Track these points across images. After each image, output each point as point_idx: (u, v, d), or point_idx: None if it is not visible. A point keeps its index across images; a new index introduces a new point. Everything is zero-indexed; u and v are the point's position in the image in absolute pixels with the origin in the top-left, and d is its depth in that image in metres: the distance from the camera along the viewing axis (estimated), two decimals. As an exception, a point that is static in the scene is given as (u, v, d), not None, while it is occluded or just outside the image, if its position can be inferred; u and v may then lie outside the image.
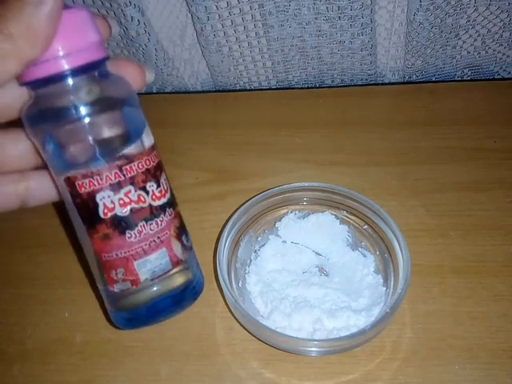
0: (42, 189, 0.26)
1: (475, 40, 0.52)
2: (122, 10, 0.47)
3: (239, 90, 0.58)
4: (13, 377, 0.33)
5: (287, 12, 0.48)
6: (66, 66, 0.21)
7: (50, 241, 0.41)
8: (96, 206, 0.23)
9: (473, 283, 0.36)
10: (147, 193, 0.24)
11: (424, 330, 0.34)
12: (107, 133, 0.23)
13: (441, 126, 0.49)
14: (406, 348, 0.33)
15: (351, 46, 0.51)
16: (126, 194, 0.24)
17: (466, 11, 0.49)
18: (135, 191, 0.24)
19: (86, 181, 0.23)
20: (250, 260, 0.38)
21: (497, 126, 0.49)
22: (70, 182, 0.23)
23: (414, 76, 0.56)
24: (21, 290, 0.39)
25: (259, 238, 0.39)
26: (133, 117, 0.25)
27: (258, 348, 0.33)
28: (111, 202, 0.23)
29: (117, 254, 0.24)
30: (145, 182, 0.24)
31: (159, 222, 0.25)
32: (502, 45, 0.53)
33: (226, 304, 0.35)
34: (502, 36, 0.52)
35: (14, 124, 0.24)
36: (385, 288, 0.35)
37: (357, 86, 0.57)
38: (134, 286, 0.25)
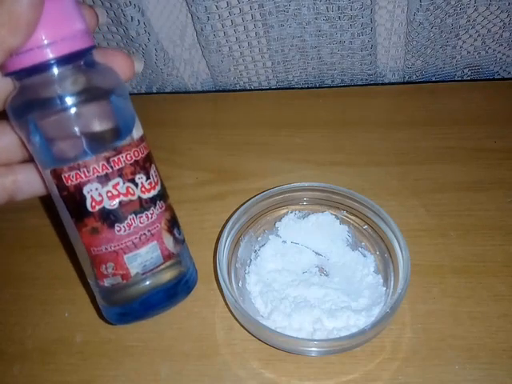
0: (29, 182, 0.26)
1: (475, 40, 0.52)
2: (121, 9, 0.47)
3: (239, 90, 0.58)
4: (13, 377, 0.34)
5: (287, 12, 0.48)
6: (50, 54, 0.21)
7: (50, 241, 0.41)
8: (83, 198, 0.23)
9: (473, 283, 0.36)
10: (136, 185, 0.24)
11: (424, 330, 0.34)
12: (94, 124, 0.23)
13: (441, 126, 0.49)
14: (406, 348, 0.33)
15: (351, 46, 0.51)
16: (114, 187, 0.23)
17: (466, 11, 0.49)
18: (124, 183, 0.23)
19: (73, 173, 0.22)
20: (250, 260, 0.38)
21: (497, 126, 0.48)
22: (57, 174, 0.23)
23: (414, 76, 0.56)
24: (21, 290, 0.39)
25: (259, 238, 0.39)
26: (121, 108, 0.24)
27: (258, 348, 0.33)
28: (99, 195, 0.23)
29: (106, 248, 0.24)
30: (134, 174, 0.24)
31: (149, 215, 0.24)
32: (501, 45, 0.53)
33: (226, 304, 0.35)
34: (501, 36, 0.52)
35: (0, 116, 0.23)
36: (385, 288, 0.35)
37: (357, 85, 0.57)
38: (125, 281, 0.24)
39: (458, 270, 0.37)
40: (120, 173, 0.23)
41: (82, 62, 0.22)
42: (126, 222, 0.24)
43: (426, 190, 0.43)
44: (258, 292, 0.35)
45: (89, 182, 0.23)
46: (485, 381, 0.31)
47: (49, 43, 0.21)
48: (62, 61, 0.21)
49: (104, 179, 0.23)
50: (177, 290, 0.26)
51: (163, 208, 0.25)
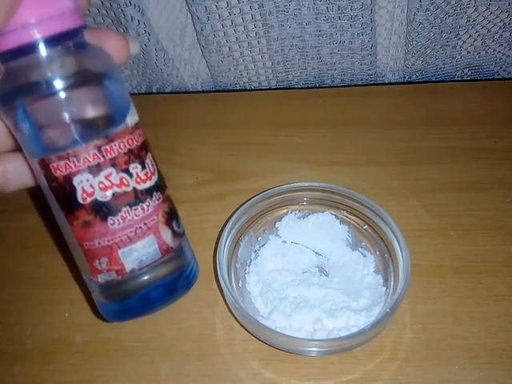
0: (19, 172, 0.24)
1: (475, 40, 0.52)
2: (121, 9, 0.47)
3: (239, 90, 0.58)
4: (13, 377, 0.34)
5: (287, 12, 0.48)
6: (36, 35, 0.19)
7: (50, 241, 0.41)
8: (74, 190, 0.21)
9: (473, 283, 0.36)
10: (131, 175, 0.22)
11: (424, 330, 0.34)
12: (85, 110, 0.21)
13: (441, 126, 0.49)
14: (406, 348, 0.33)
15: (351, 46, 0.51)
16: (106, 177, 0.22)
17: (466, 11, 0.49)
18: (117, 174, 0.22)
19: (62, 163, 0.21)
20: (250, 260, 0.38)
21: (497, 126, 0.48)
22: (45, 164, 0.21)
23: (414, 76, 0.56)
24: (21, 290, 0.39)
25: (259, 238, 0.39)
26: (114, 93, 0.23)
27: (258, 348, 0.33)
28: (90, 186, 0.21)
29: (99, 243, 0.22)
30: (128, 163, 0.22)
31: (145, 207, 0.23)
32: (501, 45, 0.53)
33: (226, 304, 0.35)
34: (502, 36, 0.52)
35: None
36: (385, 288, 0.35)
37: (357, 85, 0.57)
38: (120, 277, 0.23)
39: (458, 270, 0.37)
40: (113, 162, 0.22)
41: (71, 43, 0.21)
42: (119, 214, 0.22)
43: (426, 189, 0.43)
44: (258, 292, 0.35)
45: (79, 172, 0.21)
46: (485, 381, 0.31)
47: (34, 22, 0.19)
48: (50, 41, 0.20)
49: (95, 169, 0.21)
50: (176, 285, 0.25)
51: (160, 199, 0.24)
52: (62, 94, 0.20)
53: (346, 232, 0.39)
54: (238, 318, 0.33)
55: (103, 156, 0.21)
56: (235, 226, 0.36)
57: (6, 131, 0.23)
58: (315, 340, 0.31)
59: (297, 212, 0.40)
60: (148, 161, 0.23)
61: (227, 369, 0.33)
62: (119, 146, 0.22)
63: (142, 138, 0.23)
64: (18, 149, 0.23)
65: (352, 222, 0.39)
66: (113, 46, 0.22)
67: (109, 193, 0.22)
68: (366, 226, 0.38)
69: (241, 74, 0.56)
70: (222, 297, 0.36)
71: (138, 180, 0.23)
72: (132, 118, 0.23)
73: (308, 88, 0.58)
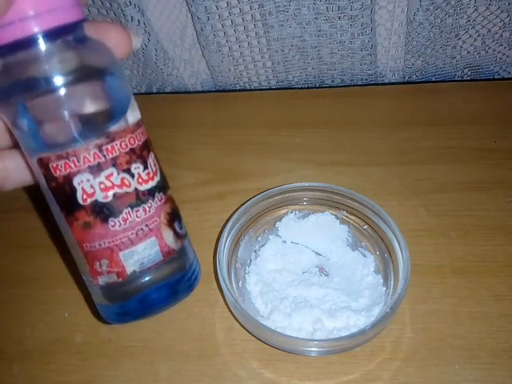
0: (19, 170, 0.23)
1: (475, 40, 0.52)
2: (122, 9, 0.47)
3: (239, 90, 0.58)
4: (12, 377, 0.33)
5: (287, 12, 0.48)
6: (34, 28, 0.19)
7: (50, 241, 0.41)
8: (74, 190, 0.21)
9: (473, 283, 0.36)
10: (132, 176, 0.22)
11: (424, 330, 0.34)
12: (85, 108, 0.21)
13: (441, 125, 0.49)
14: (406, 348, 0.33)
15: (351, 46, 0.51)
16: (107, 178, 0.21)
17: (466, 11, 0.49)
18: (118, 174, 0.21)
19: (61, 162, 0.20)
20: (250, 260, 0.38)
21: (497, 126, 0.48)
22: (43, 163, 0.21)
23: (414, 76, 0.56)
24: (20, 290, 0.39)
25: (259, 238, 0.39)
26: (115, 89, 0.22)
27: (258, 348, 0.33)
28: (91, 187, 0.21)
29: (100, 244, 0.22)
30: (129, 163, 0.21)
31: (147, 209, 0.22)
32: (501, 45, 0.53)
33: (226, 304, 0.35)
34: (502, 36, 0.52)
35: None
36: (385, 288, 0.35)
37: (357, 85, 0.57)
38: (121, 279, 0.23)
39: (458, 270, 0.37)
40: (114, 162, 0.21)
41: (70, 37, 0.20)
42: (121, 216, 0.22)
43: (427, 189, 0.43)
44: (258, 292, 0.35)
45: (79, 172, 0.21)
46: (485, 381, 0.31)
47: (33, 15, 0.18)
48: (48, 35, 0.19)
49: (96, 169, 0.21)
50: (178, 288, 0.25)
51: (163, 200, 0.23)
52: (62, 90, 0.20)
53: (346, 232, 0.39)
54: (238, 318, 0.33)
55: (104, 155, 0.21)
56: (235, 225, 0.36)
57: (3, 128, 0.22)
58: (315, 340, 0.31)
59: (297, 212, 0.40)
60: (150, 161, 0.23)
61: (227, 369, 0.33)
62: (120, 146, 0.21)
63: (144, 137, 0.23)
64: (16, 146, 0.23)
65: (352, 222, 0.39)
66: (114, 40, 0.22)
67: (110, 193, 0.21)
68: (366, 226, 0.38)
69: (241, 74, 0.56)
70: (222, 297, 0.36)
71: (140, 180, 0.22)
72: (133, 116, 0.22)
73: (308, 88, 0.58)
